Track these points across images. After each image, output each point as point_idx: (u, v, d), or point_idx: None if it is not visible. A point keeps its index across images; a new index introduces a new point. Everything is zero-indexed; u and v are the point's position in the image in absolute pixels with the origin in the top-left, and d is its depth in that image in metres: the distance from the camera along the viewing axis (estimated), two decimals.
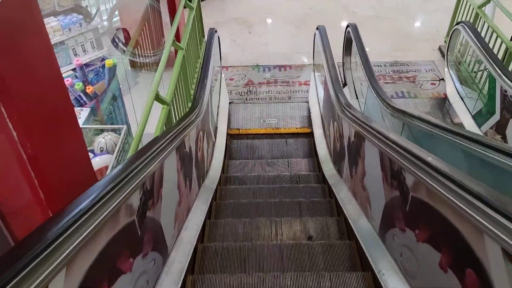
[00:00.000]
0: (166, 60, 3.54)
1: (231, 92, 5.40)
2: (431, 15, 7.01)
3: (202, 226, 2.65)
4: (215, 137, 4.20)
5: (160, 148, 1.84)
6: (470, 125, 4.28)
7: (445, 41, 5.81)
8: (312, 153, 4.41)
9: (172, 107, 3.31)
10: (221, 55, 5.49)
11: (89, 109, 3.42)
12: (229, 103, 5.17)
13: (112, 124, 3.66)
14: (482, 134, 4.00)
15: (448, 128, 2.11)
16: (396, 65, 5.76)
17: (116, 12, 5.09)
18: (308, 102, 5.04)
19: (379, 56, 5.87)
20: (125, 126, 3.17)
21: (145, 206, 1.64)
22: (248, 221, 2.76)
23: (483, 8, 4.77)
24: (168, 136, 2.04)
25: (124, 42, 5.67)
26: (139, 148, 2.32)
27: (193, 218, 2.60)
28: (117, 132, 3.32)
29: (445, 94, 5.00)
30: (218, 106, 4.67)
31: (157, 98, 3.06)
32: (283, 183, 3.70)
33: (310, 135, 4.68)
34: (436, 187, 1.38)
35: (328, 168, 3.65)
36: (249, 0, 7.80)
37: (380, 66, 5.81)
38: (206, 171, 3.51)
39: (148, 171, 1.59)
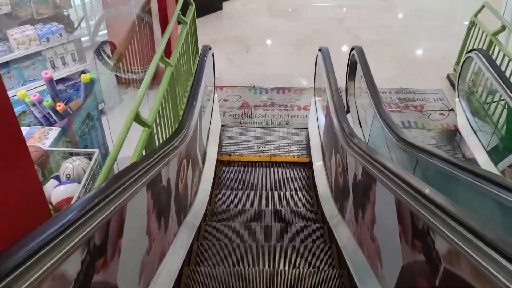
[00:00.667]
0: (151, 77, 3.22)
1: (224, 114, 5.06)
2: (438, 41, 6.81)
3: (178, 275, 2.23)
4: (203, 164, 3.82)
5: (120, 189, 1.45)
6: (484, 162, 3.94)
7: (454, 69, 5.56)
8: (310, 185, 4.03)
9: (156, 129, 2.96)
10: (216, 74, 5.18)
11: (60, 129, 3.04)
12: (222, 126, 4.82)
13: (86, 147, 3.27)
14: (499, 174, 3.66)
15: (484, 175, 1.74)
16: (402, 92, 5.47)
17: (103, 24, 4.79)
18: (307, 128, 4.70)
19: (384, 82, 5.58)
20: (97, 151, 2.79)
21: (90, 270, 1.24)
22: (234, 271, 2.35)
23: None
24: (135, 171, 1.65)
25: (110, 55, 5.37)
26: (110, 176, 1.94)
27: (167, 267, 2.19)
28: (90, 156, 2.93)
29: (455, 126, 4.68)
30: (209, 129, 4.32)
31: (137, 119, 2.71)
32: (277, 221, 3.30)
33: (308, 165, 4.32)
34: (490, 269, 1.00)
35: (329, 206, 3.26)
36: (249, 19, 7.60)
37: (385, 92, 5.52)
38: (190, 204, 3.11)
39: (95, 224, 1.20)
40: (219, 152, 4.44)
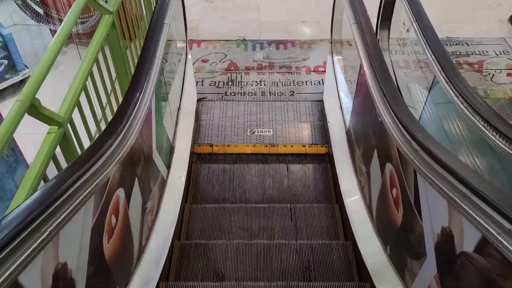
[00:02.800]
0: (66, 34, 1.99)
1: (202, 81, 3.75)
2: None
3: None
4: (169, 169, 2.61)
5: None
6: None
7: None
8: (331, 192, 2.86)
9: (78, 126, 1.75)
10: (188, 23, 3.80)
11: None
12: (199, 100, 3.54)
13: None
14: None
15: None
16: (451, 44, 4.15)
17: None
18: (322, 101, 3.44)
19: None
20: None
21: None
22: None
23: None
24: None
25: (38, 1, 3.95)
26: None
27: None
28: None
29: None
30: (179, 109, 3.05)
31: (35, 111, 1.56)
32: (284, 267, 2.17)
33: (325, 158, 3.12)
34: None
35: (369, 244, 2.11)
36: None
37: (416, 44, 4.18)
38: (138, 257, 1.95)
39: None
40: (196, 141, 3.21)
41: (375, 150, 2.17)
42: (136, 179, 1.89)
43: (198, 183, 2.92)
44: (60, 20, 3.85)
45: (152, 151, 2.19)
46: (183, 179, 2.65)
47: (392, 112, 1.84)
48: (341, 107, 3.09)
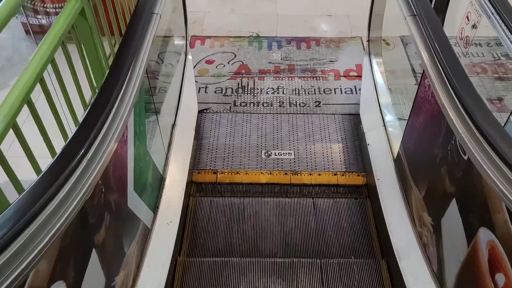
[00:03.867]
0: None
1: (206, 88, 3.10)
2: None
3: None
4: (156, 211, 1.96)
5: None
6: None
7: None
8: (373, 241, 2.19)
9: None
10: (190, 15, 3.16)
11: None
12: (200, 112, 2.89)
13: None
14: None
15: None
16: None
17: None
18: (358, 115, 2.77)
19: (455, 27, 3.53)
20: None
21: None
22: None
23: None
24: None
25: None
26: None
27: None
28: None
29: None
30: (174, 125, 2.41)
31: None
32: None
33: (364, 190, 2.45)
34: None
35: None
36: None
37: (477, 44, 3.49)
38: None
39: None
40: (195, 166, 2.56)
41: (454, 201, 1.50)
42: (94, 251, 1.25)
43: (196, 225, 2.28)
44: (35, 10, 3.24)
45: (127, 196, 1.55)
46: (175, 224, 2.00)
47: (494, 151, 1.17)
48: (384, 126, 2.42)
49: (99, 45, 2.04)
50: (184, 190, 2.18)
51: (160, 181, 2.09)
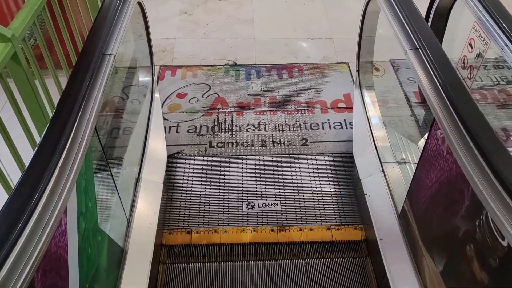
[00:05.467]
0: None
1: (178, 127, 2.79)
2: None
3: None
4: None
5: None
6: None
7: None
8: None
9: None
10: (159, 43, 2.87)
11: None
12: (171, 156, 2.58)
13: None
14: None
15: None
16: (508, 66, 3.26)
17: None
18: (351, 154, 2.51)
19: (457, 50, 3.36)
20: None
21: None
22: None
23: None
24: None
25: None
26: None
27: None
28: None
29: None
30: (138, 180, 2.09)
31: None
32: None
33: (362, 247, 2.17)
34: None
35: None
36: None
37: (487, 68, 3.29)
38: None
39: None
40: (166, 225, 2.24)
41: None
42: None
43: None
44: None
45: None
46: None
47: None
48: (383, 172, 2.15)
49: (38, 92, 1.73)
50: (150, 264, 1.85)
51: (120, 256, 1.75)
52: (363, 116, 2.46)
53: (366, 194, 2.14)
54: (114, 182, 1.71)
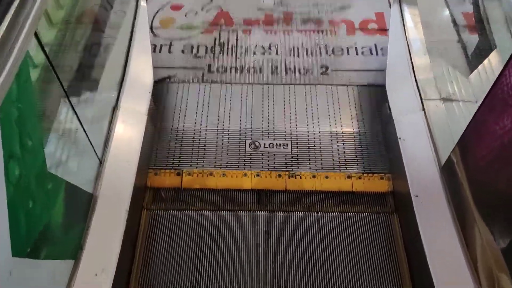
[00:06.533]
0: None
1: (170, 45, 2.34)
2: None
3: None
4: (80, 252, 1.32)
5: None
6: None
7: None
8: (404, 279, 1.60)
9: None
10: None
11: None
12: (158, 82, 2.16)
13: None
14: None
15: None
16: None
17: None
18: (384, 87, 2.07)
19: None
20: None
21: None
22: None
23: None
24: None
25: None
26: None
27: None
28: None
29: None
30: (115, 109, 1.70)
31: None
32: None
33: (389, 200, 1.81)
34: None
35: None
36: None
37: None
38: None
39: None
40: (151, 164, 1.89)
41: None
42: None
43: (152, 254, 1.65)
44: None
45: None
46: (109, 272, 1.36)
47: None
48: (424, 111, 1.73)
49: None
50: (127, 213, 1.52)
51: (88, 205, 1.42)
52: (402, 40, 1.98)
53: (400, 138, 1.74)
54: (75, 111, 1.32)
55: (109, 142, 1.61)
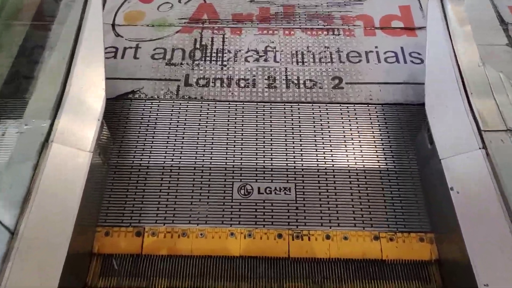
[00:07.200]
0: None
1: (136, 49, 1.81)
2: None
3: None
4: None
5: None
6: None
7: None
8: None
9: None
10: None
11: None
12: (122, 97, 1.63)
13: None
14: None
15: None
16: None
17: None
18: (422, 106, 1.56)
19: None
20: None
21: None
22: None
23: None
24: None
25: None
26: None
27: None
28: None
29: None
30: (44, 145, 1.17)
31: None
32: None
33: (433, 271, 1.31)
34: None
35: None
36: None
37: None
38: None
39: None
40: (99, 219, 1.36)
41: None
42: None
43: None
44: None
45: None
46: None
47: None
48: (485, 148, 1.23)
49: None
50: None
51: None
52: (446, 42, 1.46)
53: (451, 189, 1.23)
54: None
55: (29, 200, 1.09)
